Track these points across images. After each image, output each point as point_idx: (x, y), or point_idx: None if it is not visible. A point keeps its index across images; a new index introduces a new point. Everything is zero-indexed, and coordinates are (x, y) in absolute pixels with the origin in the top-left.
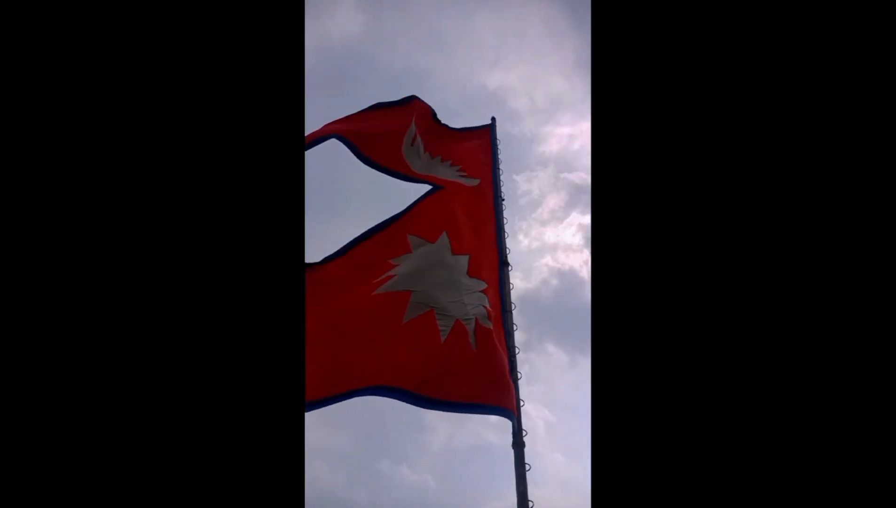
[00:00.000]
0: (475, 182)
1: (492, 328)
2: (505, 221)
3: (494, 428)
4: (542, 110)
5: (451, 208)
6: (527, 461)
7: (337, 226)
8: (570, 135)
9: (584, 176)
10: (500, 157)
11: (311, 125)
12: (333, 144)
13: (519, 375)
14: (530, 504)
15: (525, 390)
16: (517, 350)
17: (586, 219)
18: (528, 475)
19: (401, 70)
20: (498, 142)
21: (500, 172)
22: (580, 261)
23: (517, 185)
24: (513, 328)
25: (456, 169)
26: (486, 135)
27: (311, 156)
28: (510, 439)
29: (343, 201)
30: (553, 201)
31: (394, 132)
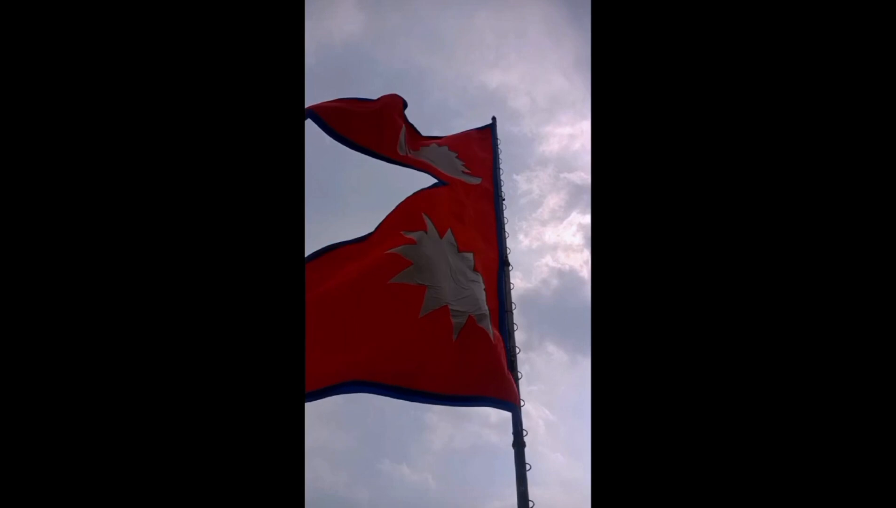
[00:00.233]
0: (476, 181)
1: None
2: (505, 220)
3: (495, 428)
4: (542, 110)
5: (455, 206)
6: (527, 460)
7: (337, 226)
8: (570, 135)
9: (584, 176)
10: (500, 156)
11: (311, 125)
12: (333, 145)
13: (519, 375)
14: (531, 503)
15: (525, 389)
16: (517, 350)
17: (586, 219)
18: (529, 474)
19: (401, 70)
20: (498, 141)
21: (501, 171)
22: (580, 261)
23: (517, 185)
24: (513, 327)
25: (461, 164)
26: (486, 134)
27: (312, 156)
28: (510, 438)
29: (343, 201)
30: (553, 201)
31: (378, 114)
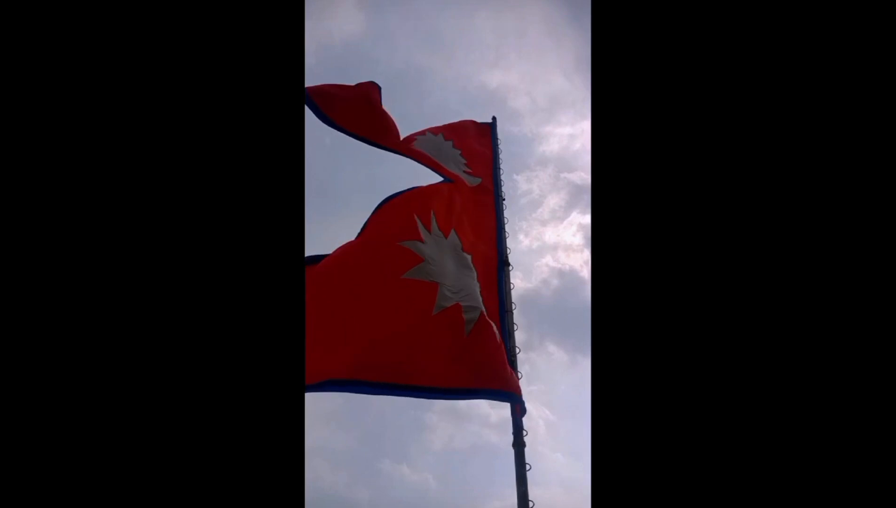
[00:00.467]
0: (476, 182)
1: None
2: (505, 220)
3: (495, 428)
4: (542, 110)
5: (458, 205)
6: (527, 460)
7: (337, 226)
8: (570, 135)
9: (584, 176)
10: (500, 156)
11: (311, 125)
12: (334, 145)
13: (519, 375)
14: (531, 503)
15: (526, 389)
16: (517, 350)
17: (586, 219)
18: (529, 474)
19: (401, 70)
20: (498, 141)
21: (501, 171)
22: (580, 261)
23: (517, 184)
24: (513, 327)
25: (463, 162)
26: (486, 133)
27: (312, 156)
28: (511, 438)
29: (343, 202)
30: (553, 201)
31: (367, 100)
